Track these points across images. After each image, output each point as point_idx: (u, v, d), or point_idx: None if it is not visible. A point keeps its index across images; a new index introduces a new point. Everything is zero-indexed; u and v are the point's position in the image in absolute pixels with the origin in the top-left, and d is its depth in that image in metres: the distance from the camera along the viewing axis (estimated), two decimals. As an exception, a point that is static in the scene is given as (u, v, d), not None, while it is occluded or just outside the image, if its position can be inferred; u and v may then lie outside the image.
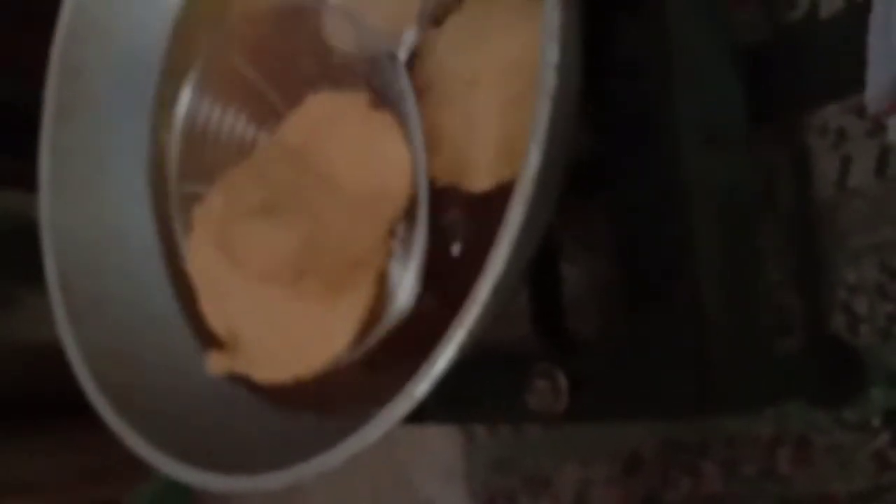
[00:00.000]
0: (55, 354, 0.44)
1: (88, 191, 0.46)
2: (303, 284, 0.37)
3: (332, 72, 0.40)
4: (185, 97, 0.44)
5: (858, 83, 0.45)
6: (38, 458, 0.83)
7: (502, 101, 0.35)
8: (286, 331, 0.39)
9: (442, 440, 0.67)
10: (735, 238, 0.42)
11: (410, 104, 0.36)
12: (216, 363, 0.40)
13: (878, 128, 0.49)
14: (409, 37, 0.37)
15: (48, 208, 0.45)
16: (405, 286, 0.36)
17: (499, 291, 0.28)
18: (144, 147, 0.47)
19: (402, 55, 0.37)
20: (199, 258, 0.41)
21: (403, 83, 0.36)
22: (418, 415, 0.31)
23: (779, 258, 0.51)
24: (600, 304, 0.53)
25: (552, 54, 0.26)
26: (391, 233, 0.37)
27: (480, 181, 0.36)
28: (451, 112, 0.37)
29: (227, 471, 0.34)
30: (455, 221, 0.37)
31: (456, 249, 0.37)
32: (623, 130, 0.39)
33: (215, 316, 0.41)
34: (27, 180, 0.48)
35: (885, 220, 0.49)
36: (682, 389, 0.36)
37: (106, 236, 0.45)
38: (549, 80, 0.26)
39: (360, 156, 0.37)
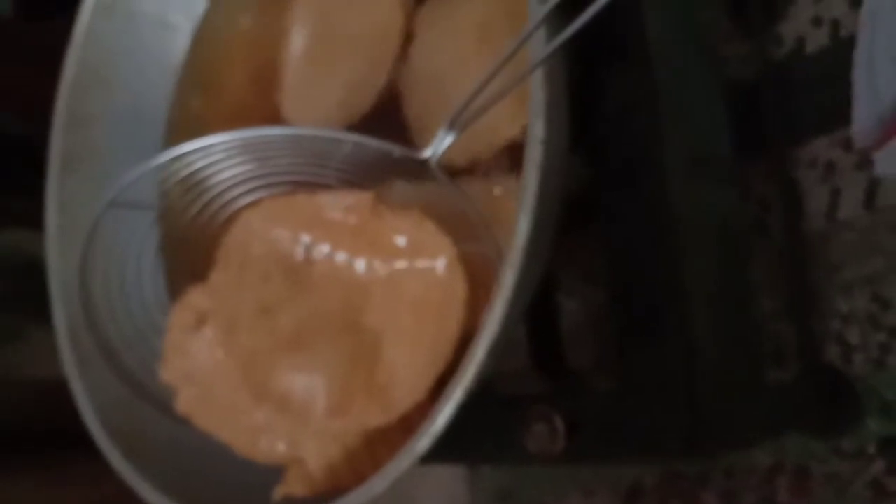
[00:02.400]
0: (60, 389, 0.44)
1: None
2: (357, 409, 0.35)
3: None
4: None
5: (845, 116, 0.46)
6: (41, 490, 0.83)
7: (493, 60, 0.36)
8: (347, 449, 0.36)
9: (446, 471, 0.68)
10: (725, 270, 0.42)
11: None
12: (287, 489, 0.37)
13: (867, 160, 0.50)
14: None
15: (56, 258, 0.46)
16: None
17: (495, 349, 0.29)
18: (150, 197, 0.48)
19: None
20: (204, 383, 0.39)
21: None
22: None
23: (772, 290, 0.52)
24: (598, 338, 0.54)
25: (539, 130, 0.27)
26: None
27: (508, 127, 0.36)
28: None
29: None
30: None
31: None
32: (613, 167, 0.40)
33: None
34: (34, 218, 0.49)
35: (875, 252, 0.50)
36: (674, 430, 0.37)
37: (114, 286, 0.46)
38: (537, 154, 0.27)
39: (400, 272, 0.35)
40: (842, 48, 0.48)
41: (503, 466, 0.64)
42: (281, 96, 0.44)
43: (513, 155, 0.36)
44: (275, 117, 0.43)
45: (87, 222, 0.46)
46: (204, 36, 0.48)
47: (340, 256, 0.36)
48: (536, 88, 0.27)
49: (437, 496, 0.69)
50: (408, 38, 0.40)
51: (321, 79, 0.42)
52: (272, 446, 0.37)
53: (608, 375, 0.44)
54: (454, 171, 0.36)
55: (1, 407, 0.81)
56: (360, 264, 0.36)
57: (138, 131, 0.48)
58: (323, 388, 0.35)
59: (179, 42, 0.49)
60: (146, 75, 0.48)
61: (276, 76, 0.45)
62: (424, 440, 0.29)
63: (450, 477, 0.68)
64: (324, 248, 0.36)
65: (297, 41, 0.44)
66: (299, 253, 0.37)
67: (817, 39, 0.52)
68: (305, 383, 0.36)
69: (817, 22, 0.52)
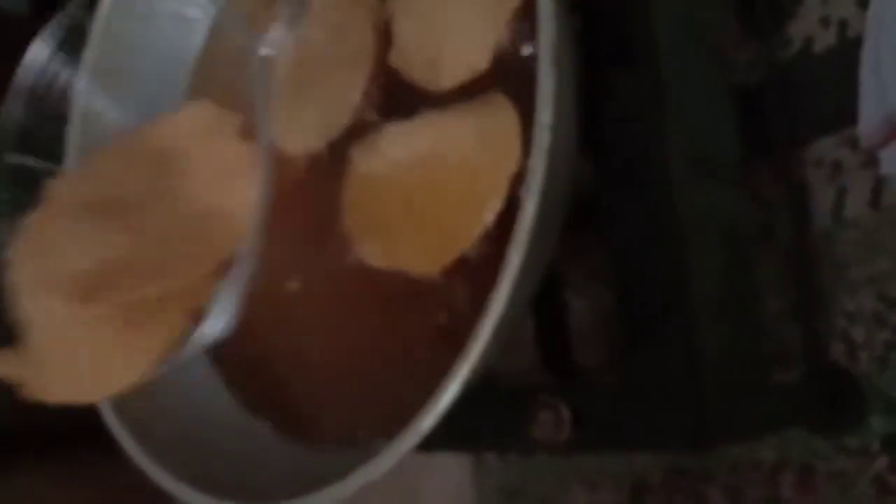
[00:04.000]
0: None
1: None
2: (93, 307, 0.34)
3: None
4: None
5: (852, 116, 0.46)
6: (54, 486, 0.84)
7: None
8: (68, 353, 0.35)
9: (451, 465, 0.68)
10: (730, 271, 0.43)
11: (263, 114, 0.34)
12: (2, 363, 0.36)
13: (873, 159, 0.50)
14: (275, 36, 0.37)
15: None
16: (219, 315, 0.32)
17: (501, 330, 0.29)
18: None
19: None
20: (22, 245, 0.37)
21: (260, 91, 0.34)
22: (426, 444, 0.33)
23: (778, 289, 0.52)
24: (605, 335, 0.54)
25: (546, 115, 0.27)
26: (215, 273, 0.33)
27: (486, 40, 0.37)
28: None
29: (245, 501, 0.36)
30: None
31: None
32: (618, 167, 0.40)
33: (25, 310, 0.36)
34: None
35: (880, 251, 0.50)
36: (679, 423, 0.37)
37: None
38: (544, 139, 0.27)
39: (212, 186, 0.36)
40: (849, 48, 0.49)
41: (509, 459, 0.65)
42: None
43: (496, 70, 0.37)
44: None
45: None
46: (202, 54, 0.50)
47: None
48: (544, 75, 0.28)
49: (443, 492, 0.69)
50: (386, 37, 0.41)
51: (301, 100, 0.44)
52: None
53: (615, 373, 0.44)
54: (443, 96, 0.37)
55: (10, 405, 0.81)
56: None
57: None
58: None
59: (197, 36, 0.49)
60: (163, 69, 0.49)
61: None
62: (429, 419, 0.30)
63: (455, 473, 0.68)
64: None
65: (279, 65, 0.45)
66: None
67: (825, 39, 0.52)
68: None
69: (825, 22, 0.52)
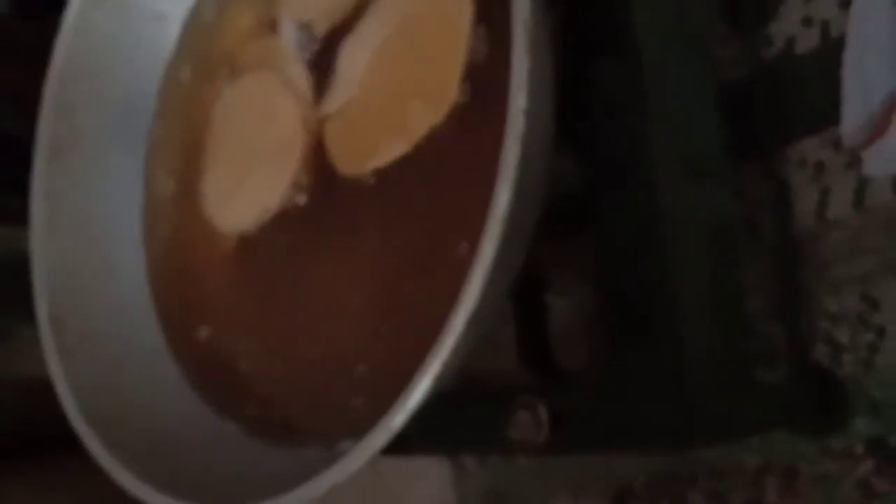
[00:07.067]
0: (51, 388, 0.44)
1: (80, 229, 0.47)
2: None
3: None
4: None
5: (835, 116, 0.46)
6: (36, 492, 0.83)
7: None
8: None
9: (432, 470, 0.68)
10: (714, 270, 0.42)
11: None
12: None
13: (856, 160, 0.50)
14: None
15: (40, 246, 0.46)
16: None
17: (474, 323, 0.28)
18: (137, 186, 0.48)
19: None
20: None
21: None
22: (403, 447, 0.32)
23: (761, 290, 0.52)
24: (587, 336, 0.54)
25: (521, 100, 0.27)
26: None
27: None
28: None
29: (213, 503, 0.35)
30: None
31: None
32: (602, 167, 0.40)
33: None
34: (21, 215, 0.49)
35: (864, 251, 0.50)
36: (663, 422, 0.36)
37: (97, 274, 0.46)
38: (518, 125, 0.27)
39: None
40: (832, 48, 0.48)
41: (491, 463, 0.64)
42: (202, 188, 0.48)
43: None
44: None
45: (72, 210, 0.46)
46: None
47: None
48: (520, 58, 0.27)
49: (423, 498, 0.68)
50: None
51: (235, 181, 0.46)
52: None
53: (597, 374, 0.44)
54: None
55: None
56: None
57: (126, 120, 0.48)
58: None
59: (170, 32, 0.49)
60: (136, 65, 0.48)
61: (199, 163, 0.48)
62: (399, 416, 0.29)
63: (436, 478, 0.67)
64: None
65: (216, 145, 0.48)
66: None
67: (807, 40, 0.52)
68: None
69: (807, 22, 0.52)
